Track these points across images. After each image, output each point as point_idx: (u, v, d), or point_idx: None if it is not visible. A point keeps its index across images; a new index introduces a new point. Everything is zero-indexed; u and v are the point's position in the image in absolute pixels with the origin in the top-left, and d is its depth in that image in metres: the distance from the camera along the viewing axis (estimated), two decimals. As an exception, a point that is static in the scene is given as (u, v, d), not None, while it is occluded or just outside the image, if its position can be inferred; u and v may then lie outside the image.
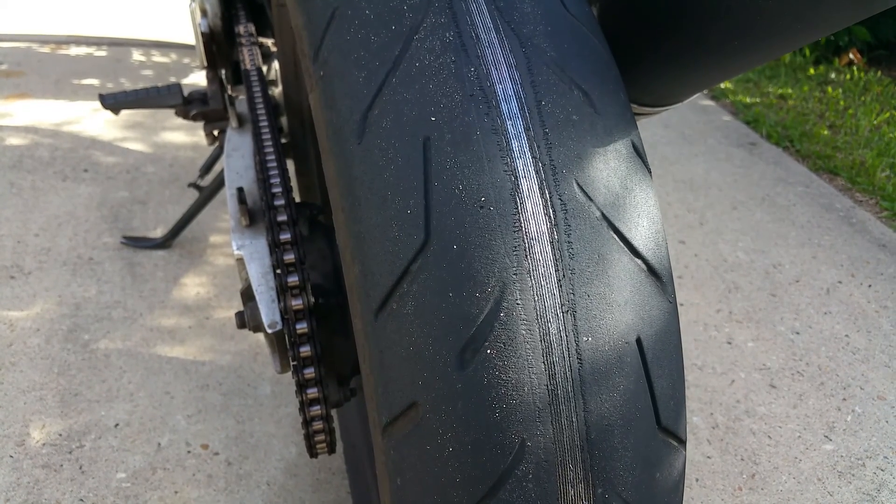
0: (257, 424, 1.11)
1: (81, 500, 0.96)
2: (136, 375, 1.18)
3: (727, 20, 0.51)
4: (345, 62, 0.48)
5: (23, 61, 2.42)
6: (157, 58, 2.58)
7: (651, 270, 0.46)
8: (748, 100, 2.74)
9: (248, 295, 0.74)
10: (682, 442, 0.48)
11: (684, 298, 1.53)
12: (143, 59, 2.56)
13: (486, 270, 0.42)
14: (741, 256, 1.70)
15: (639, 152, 0.49)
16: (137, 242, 1.50)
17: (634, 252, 0.45)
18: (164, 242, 1.49)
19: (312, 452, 0.74)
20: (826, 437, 1.21)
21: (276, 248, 0.69)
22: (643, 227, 0.46)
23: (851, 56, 3.27)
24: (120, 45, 2.67)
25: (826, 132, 2.47)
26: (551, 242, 0.43)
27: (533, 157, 0.44)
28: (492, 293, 0.41)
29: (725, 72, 0.59)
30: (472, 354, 0.41)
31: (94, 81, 2.32)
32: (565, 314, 0.42)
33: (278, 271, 0.69)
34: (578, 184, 0.45)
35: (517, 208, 0.43)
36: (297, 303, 0.68)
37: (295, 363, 0.69)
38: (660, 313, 0.46)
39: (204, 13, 1.09)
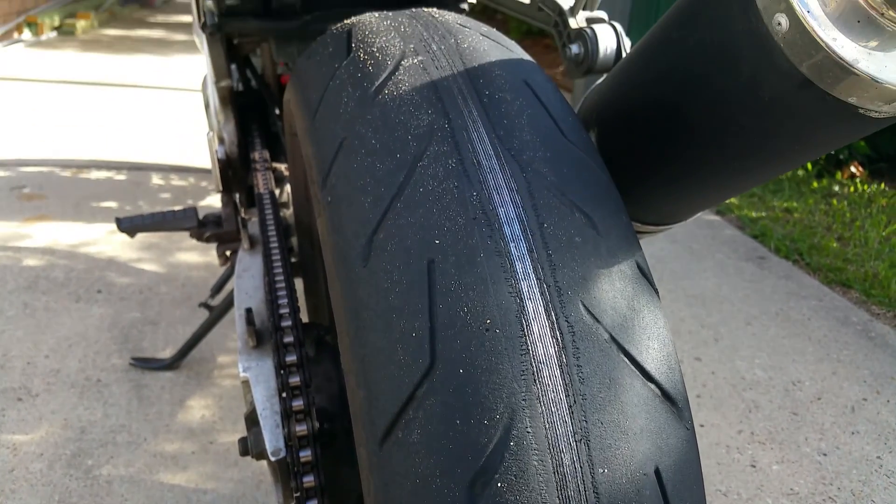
0: (261, 558, 1.05)
1: None
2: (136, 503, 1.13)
3: (726, 144, 0.52)
4: (351, 188, 0.49)
5: (44, 184, 2.49)
6: (176, 181, 2.65)
7: (665, 395, 0.44)
8: (754, 214, 2.77)
9: (252, 419, 0.72)
10: None
11: (704, 419, 1.48)
12: (161, 182, 2.63)
13: (494, 396, 0.40)
14: (759, 373, 1.66)
15: (644, 273, 0.48)
16: (146, 364, 1.48)
17: (647, 376, 0.43)
18: (173, 363, 1.48)
19: None
20: (864, 569, 1.13)
21: (281, 370, 0.68)
22: (654, 349, 0.45)
23: (853, 169, 3.33)
24: (140, 169, 2.75)
25: (835, 244, 2.47)
26: (560, 366, 0.41)
27: (537, 279, 0.43)
28: (500, 420, 0.39)
29: (727, 192, 0.59)
30: (482, 488, 0.39)
31: (113, 204, 2.37)
32: (579, 443, 0.40)
33: (283, 395, 0.67)
34: (584, 305, 0.44)
35: (523, 331, 0.42)
36: (301, 428, 0.66)
37: (298, 494, 0.66)
38: (678, 441, 0.44)
39: (221, 141, 1.12)
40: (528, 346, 0.41)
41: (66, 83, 3.95)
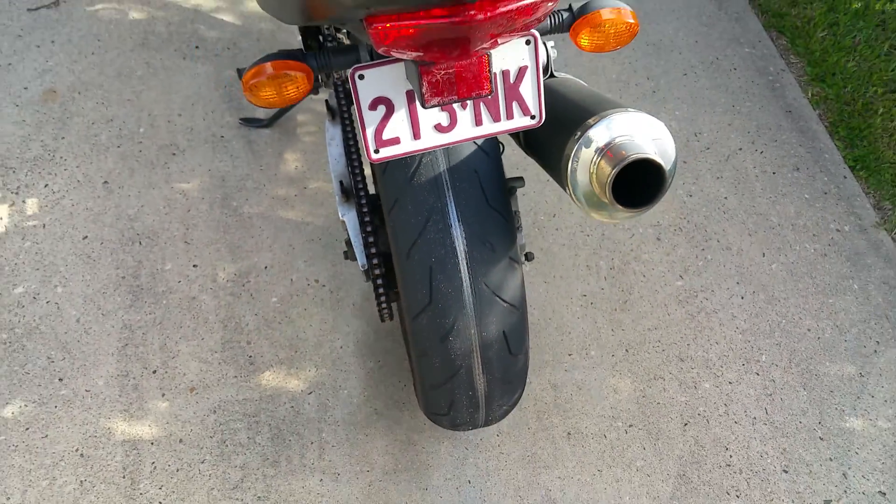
0: (345, 267, 1.91)
1: (256, 314, 1.81)
2: (270, 232, 1.96)
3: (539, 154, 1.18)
4: (402, 224, 1.18)
5: None
6: None
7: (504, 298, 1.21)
8: (740, -66, 3.03)
9: (349, 243, 1.47)
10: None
11: (622, 165, 2.20)
12: None
13: (449, 304, 1.17)
14: (674, 125, 2.32)
15: (515, 259, 1.21)
16: (250, 123, 2.18)
17: (499, 295, 1.20)
18: (269, 123, 2.18)
19: (381, 318, 1.53)
20: (680, 276, 1.98)
21: (361, 217, 1.40)
22: (508, 288, 1.20)
23: None
24: None
25: (795, -21, 2.84)
26: (469, 295, 1.17)
27: (469, 270, 1.17)
28: (452, 321, 1.17)
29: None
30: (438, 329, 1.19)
31: (177, -65, 2.76)
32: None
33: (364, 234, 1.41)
34: (485, 281, 1.18)
35: (460, 290, 1.16)
36: (373, 250, 1.41)
37: (370, 281, 1.44)
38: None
39: None
40: (462, 298, 1.16)
41: None
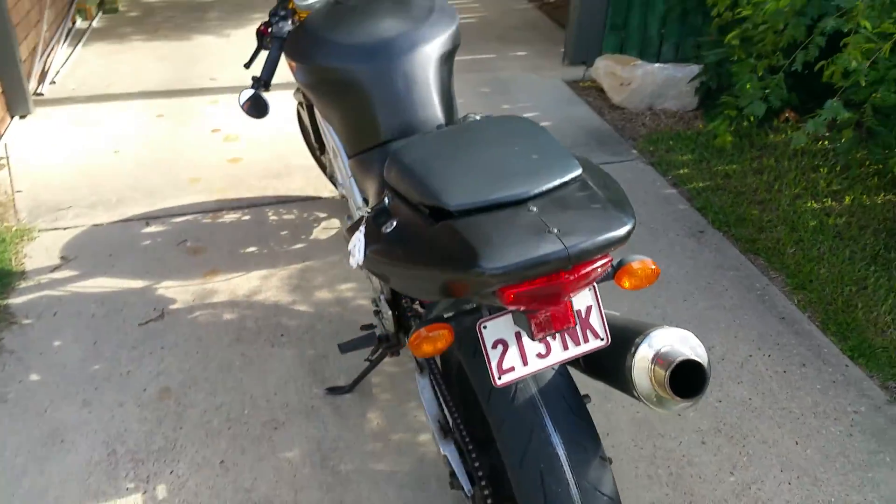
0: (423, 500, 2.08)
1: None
2: (366, 485, 2.16)
3: None
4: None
5: (201, 236, 3.37)
6: (286, 215, 3.52)
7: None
8: (700, 184, 3.59)
9: (452, 474, 1.67)
10: None
11: (654, 383, 2.45)
12: (275, 218, 3.51)
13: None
14: (689, 345, 2.60)
15: (604, 458, 1.43)
16: (335, 391, 2.47)
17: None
18: (350, 389, 2.46)
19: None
20: (730, 472, 2.14)
21: (462, 448, 1.62)
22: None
23: (787, 115, 4.06)
24: (254, 205, 3.61)
25: (756, 212, 3.32)
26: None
27: None
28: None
29: None
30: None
31: (254, 249, 3.27)
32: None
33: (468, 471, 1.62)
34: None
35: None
36: (480, 473, 1.61)
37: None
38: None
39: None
40: (571, 495, 1.35)
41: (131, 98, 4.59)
